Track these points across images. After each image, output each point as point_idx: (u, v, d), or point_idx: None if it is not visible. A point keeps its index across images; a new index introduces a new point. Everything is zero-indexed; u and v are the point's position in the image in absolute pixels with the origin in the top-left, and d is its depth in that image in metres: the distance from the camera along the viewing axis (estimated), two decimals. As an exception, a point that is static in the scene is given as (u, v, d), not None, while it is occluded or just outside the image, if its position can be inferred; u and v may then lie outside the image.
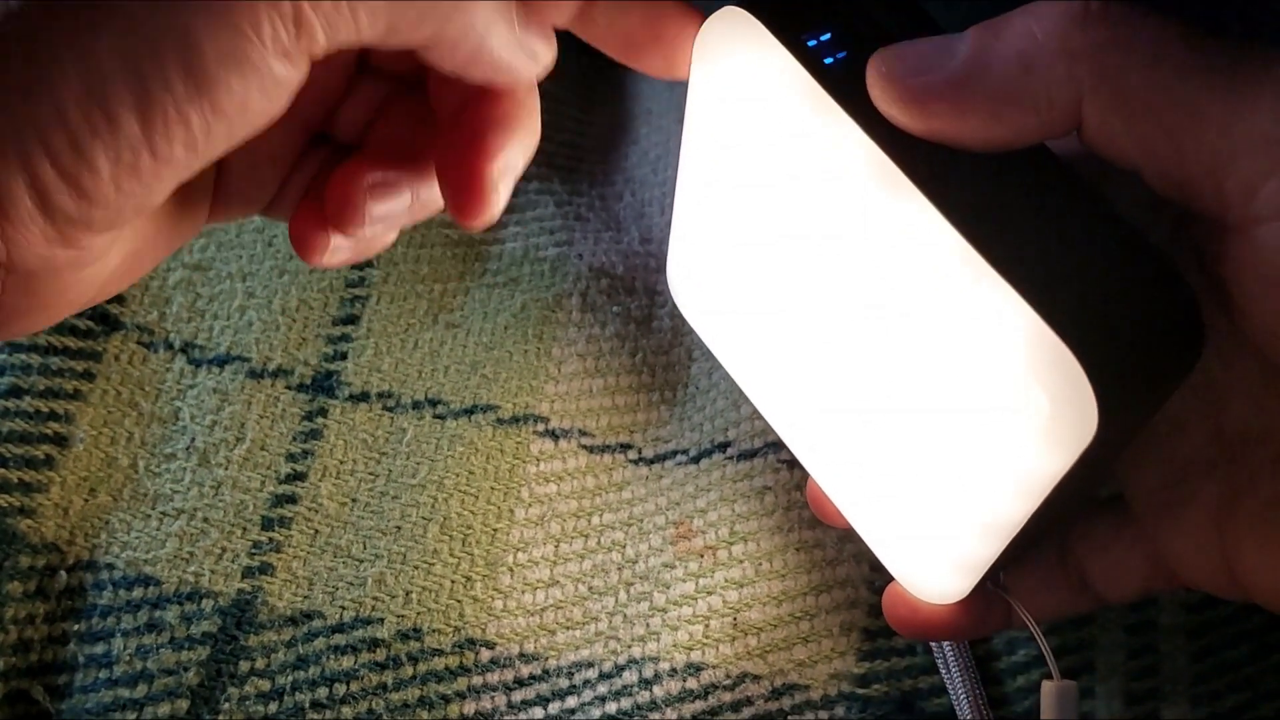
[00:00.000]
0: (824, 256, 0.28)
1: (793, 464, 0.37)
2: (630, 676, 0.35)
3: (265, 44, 0.21)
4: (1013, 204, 0.24)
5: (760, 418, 0.38)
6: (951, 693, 0.34)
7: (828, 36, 0.25)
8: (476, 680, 0.35)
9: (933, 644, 0.35)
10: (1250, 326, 0.25)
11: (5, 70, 0.20)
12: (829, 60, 0.25)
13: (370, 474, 0.38)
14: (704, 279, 0.35)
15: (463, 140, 0.26)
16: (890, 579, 0.32)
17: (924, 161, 0.24)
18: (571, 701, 0.35)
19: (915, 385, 0.27)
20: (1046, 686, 0.30)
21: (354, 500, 0.37)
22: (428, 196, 0.28)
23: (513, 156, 0.27)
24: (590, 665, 0.35)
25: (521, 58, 0.25)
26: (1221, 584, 0.27)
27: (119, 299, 0.39)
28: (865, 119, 0.24)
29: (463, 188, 0.26)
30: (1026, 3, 0.24)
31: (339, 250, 0.28)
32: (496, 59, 0.25)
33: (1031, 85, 0.23)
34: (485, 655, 0.35)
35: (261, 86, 0.21)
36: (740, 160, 0.29)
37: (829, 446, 0.32)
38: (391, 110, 0.29)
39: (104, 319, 0.39)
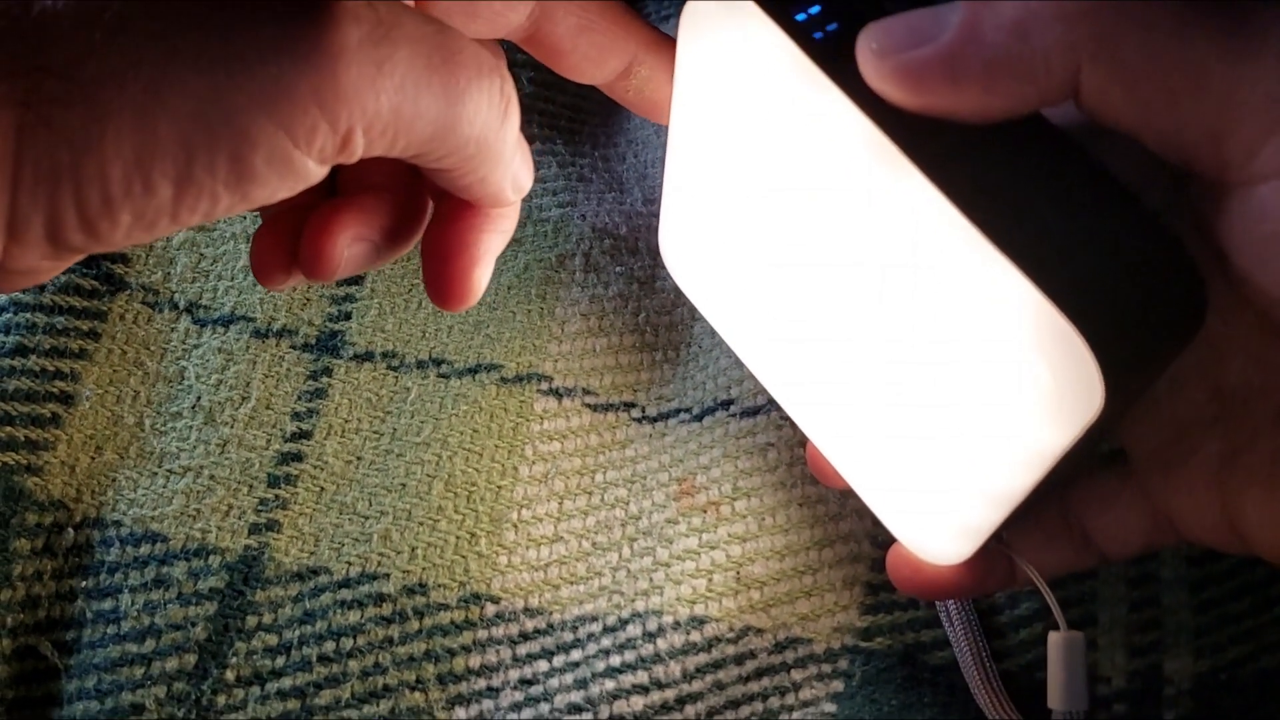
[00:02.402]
0: (821, 230, 0.28)
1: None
2: (634, 630, 0.35)
3: (311, 153, 0.22)
4: (1010, 176, 0.24)
5: (763, 376, 0.38)
6: (954, 646, 0.34)
7: (817, 10, 0.25)
8: (482, 634, 0.35)
9: (935, 598, 0.35)
10: (1249, 286, 0.25)
11: (61, 116, 0.20)
12: (819, 35, 0.24)
13: (375, 432, 0.38)
14: (699, 252, 0.34)
15: (450, 237, 0.28)
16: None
17: (919, 135, 0.23)
18: (576, 655, 0.35)
19: (916, 358, 0.27)
20: (1053, 638, 0.30)
21: (359, 458, 0.38)
22: (400, 248, 0.29)
23: (495, 250, 0.29)
24: (594, 619, 0.35)
25: (507, 191, 0.27)
26: (1223, 539, 0.27)
27: (123, 259, 0.39)
28: (857, 94, 0.24)
29: (448, 284, 0.28)
30: None
31: (295, 278, 0.28)
32: (487, 192, 0.27)
33: (1028, 53, 0.23)
34: (490, 610, 0.36)
35: (294, 182, 0.22)
36: (731, 135, 0.29)
37: (830, 415, 0.32)
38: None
39: (109, 279, 0.39)
